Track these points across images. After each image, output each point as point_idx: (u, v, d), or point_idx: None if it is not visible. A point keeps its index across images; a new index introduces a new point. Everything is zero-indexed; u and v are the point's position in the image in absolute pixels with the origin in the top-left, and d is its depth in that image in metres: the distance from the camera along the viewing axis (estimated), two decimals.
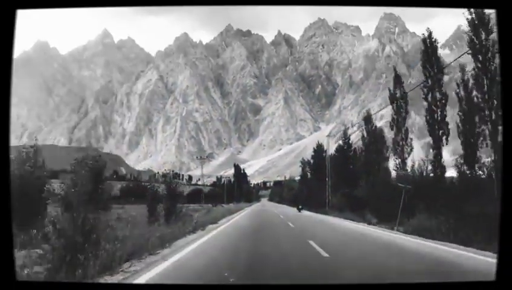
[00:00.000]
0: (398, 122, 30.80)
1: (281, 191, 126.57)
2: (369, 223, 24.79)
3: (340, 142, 53.63)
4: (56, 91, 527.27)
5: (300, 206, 48.02)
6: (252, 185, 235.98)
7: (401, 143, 30.47)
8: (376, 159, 36.05)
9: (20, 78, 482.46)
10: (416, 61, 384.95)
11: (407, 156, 30.55)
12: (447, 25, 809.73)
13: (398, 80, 31.97)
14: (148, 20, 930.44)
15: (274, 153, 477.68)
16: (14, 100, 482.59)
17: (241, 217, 32.43)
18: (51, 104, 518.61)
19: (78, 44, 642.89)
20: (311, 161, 67.47)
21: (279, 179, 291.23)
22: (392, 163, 34.30)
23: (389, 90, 31.94)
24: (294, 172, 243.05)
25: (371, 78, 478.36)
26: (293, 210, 54.44)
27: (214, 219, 25.16)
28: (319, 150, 65.61)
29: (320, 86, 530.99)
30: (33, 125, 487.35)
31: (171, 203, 19.12)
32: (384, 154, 34.76)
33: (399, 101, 31.22)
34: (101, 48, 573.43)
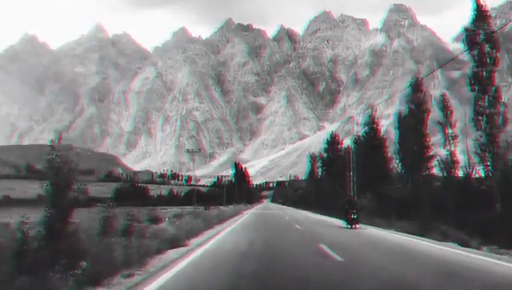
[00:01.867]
0: (483, 78, 19.60)
1: (285, 192, 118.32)
2: (462, 244, 13.41)
3: (364, 127, 42.90)
4: (48, 88, 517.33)
5: (354, 215, 22.04)
6: (255, 186, 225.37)
7: (487, 111, 19.32)
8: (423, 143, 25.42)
9: (8, 74, 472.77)
10: (425, 56, 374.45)
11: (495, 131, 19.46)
12: (460, 17, 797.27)
13: (480, 14, 20.57)
14: (143, 14, 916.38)
15: (276, 152, 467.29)
16: (3, 98, 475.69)
17: (234, 229, 20.74)
18: (42, 103, 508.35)
19: (70, 39, 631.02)
20: (324, 156, 56.28)
21: (282, 179, 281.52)
22: (460, 147, 23.42)
23: (465, 29, 20.58)
24: (297, 172, 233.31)
25: (377, 74, 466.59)
26: (305, 214, 42.95)
27: (176, 239, 12.81)
28: (332, 141, 54.90)
29: (323, 84, 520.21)
30: (24, 124, 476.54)
31: (61, 210, 7.73)
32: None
33: (483, 45, 19.95)
34: (95, 43, 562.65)
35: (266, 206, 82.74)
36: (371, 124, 38.44)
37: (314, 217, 37.68)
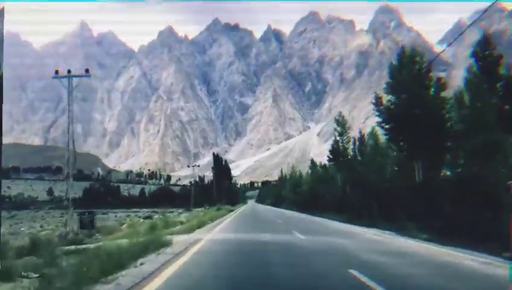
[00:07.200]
0: None
1: (277, 190, 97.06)
2: None
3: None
4: (30, 87, 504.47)
5: None
6: (238, 186, 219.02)
7: None
8: None
9: None
10: None
11: None
12: (445, 20, 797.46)
13: None
14: (129, 13, 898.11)
15: (262, 153, 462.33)
16: None
17: None
18: (24, 101, 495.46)
19: (54, 38, 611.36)
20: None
21: (267, 179, 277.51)
22: None
23: None
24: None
25: (363, 75, 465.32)
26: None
27: None
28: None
29: (310, 84, 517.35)
30: (4, 124, 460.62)
31: None
32: None
33: None
34: (79, 42, 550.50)
35: (253, 208, 65.17)
36: None
37: None
